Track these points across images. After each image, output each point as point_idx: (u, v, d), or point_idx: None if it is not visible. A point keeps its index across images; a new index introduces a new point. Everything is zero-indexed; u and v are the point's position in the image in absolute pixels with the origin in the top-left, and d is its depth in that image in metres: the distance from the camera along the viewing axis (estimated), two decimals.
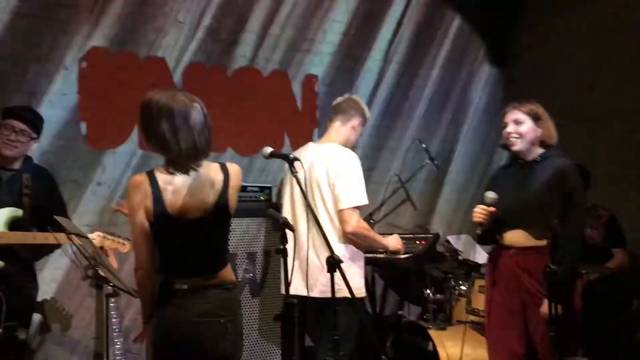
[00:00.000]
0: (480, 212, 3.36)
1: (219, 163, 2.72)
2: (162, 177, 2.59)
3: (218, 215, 2.63)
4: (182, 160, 2.57)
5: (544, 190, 3.33)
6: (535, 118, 3.42)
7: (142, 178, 2.59)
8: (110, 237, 3.63)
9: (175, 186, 2.58)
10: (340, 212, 3.63)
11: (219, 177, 2.66)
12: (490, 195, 3.35)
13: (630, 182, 5.03)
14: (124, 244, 3.63)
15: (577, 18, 5.47)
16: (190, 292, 2.62)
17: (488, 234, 3.47)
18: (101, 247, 3.52)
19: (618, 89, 5.15)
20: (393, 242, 3.98)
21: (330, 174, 3.66)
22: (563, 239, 3.18)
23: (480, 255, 5.21)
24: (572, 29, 5.49)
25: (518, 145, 3.42)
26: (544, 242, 3.28)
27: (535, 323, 3.32)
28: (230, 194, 2.65)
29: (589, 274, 4.29)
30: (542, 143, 3.44)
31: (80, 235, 2.68)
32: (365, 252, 3.80)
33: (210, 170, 2.66)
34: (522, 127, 3.41)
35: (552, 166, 3.36)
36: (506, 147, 3.48)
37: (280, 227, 2.72)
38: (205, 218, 2.61)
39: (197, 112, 2.57)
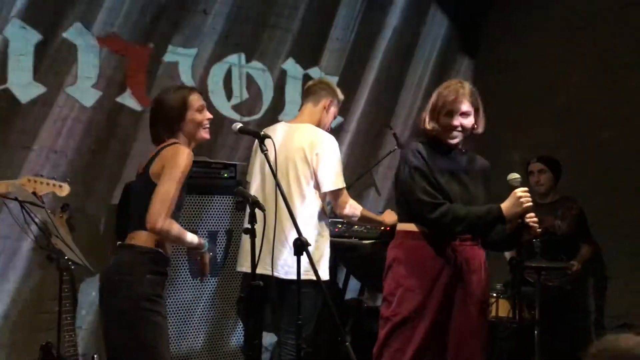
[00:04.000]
0: (528, 195, 2.91)
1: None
2: None
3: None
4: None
5: None
6: None
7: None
8: (41, 179, 3.32)
9: None
10: (334, 193, 3.62)
11: None
12: (517, 176, 2.97)
13: (592, 177, 5.06)
14: (60, 186, 3.35)
15: (547, 14, 5.47)
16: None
17: None
18: (33, 193, 3.18)
19: (584, 84, 5.17)
20: (388, 217, 3.89)
21: (313, 156, 3.58)
22: None
23: None
24: (543, 25, 5.49)
25: None
26: None
27: None
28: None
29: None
30: None
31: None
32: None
33: None
34: None
35: None
36: None
37: (250, 206, 2.62)
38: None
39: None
